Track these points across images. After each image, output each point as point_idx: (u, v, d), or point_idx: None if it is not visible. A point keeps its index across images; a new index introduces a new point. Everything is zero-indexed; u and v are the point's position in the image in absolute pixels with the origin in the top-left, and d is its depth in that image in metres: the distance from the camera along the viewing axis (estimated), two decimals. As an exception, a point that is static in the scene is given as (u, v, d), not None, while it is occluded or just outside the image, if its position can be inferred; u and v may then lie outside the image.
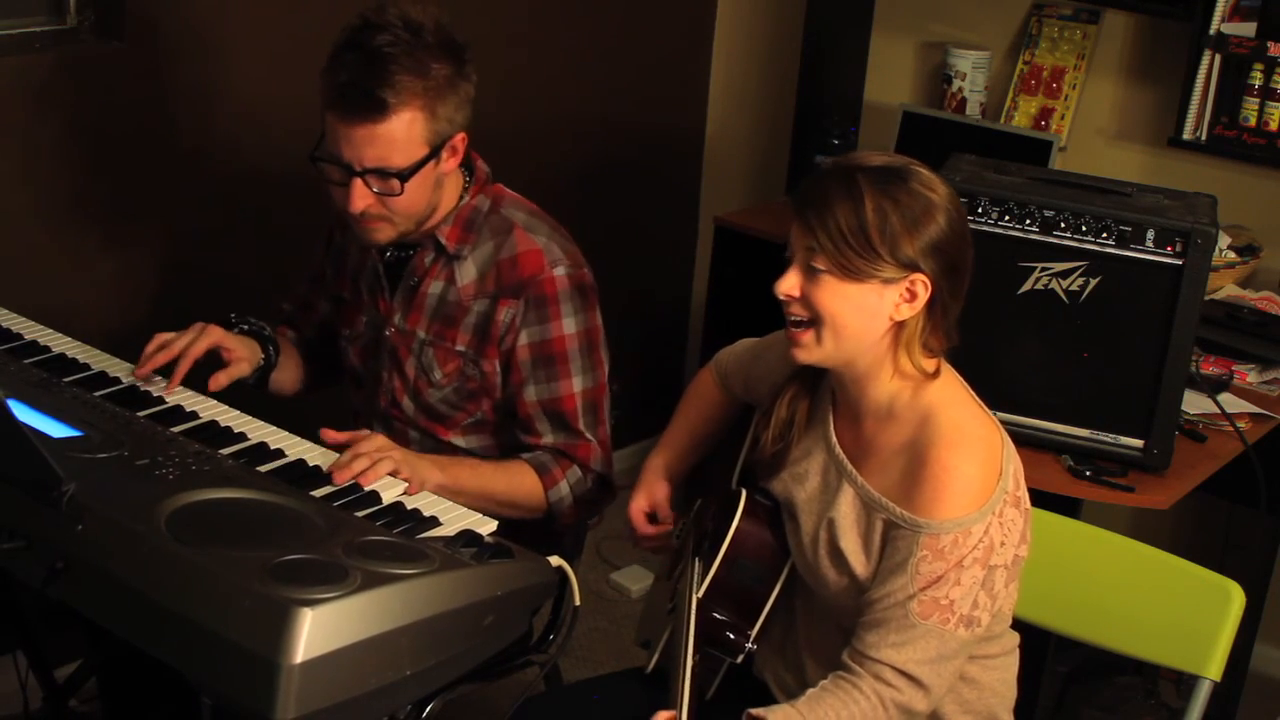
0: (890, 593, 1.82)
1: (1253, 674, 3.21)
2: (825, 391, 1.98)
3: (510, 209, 2.30)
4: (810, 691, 1.84)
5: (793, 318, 1.86)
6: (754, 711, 1.79)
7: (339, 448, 2.04)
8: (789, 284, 1.84)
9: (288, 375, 2.47)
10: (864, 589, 1.87)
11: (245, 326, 2.36)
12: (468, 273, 2.27)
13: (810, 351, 1.86)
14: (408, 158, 2.12)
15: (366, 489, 1.96)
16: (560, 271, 2.25)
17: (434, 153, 2.15)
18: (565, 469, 2.28)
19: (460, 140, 2.19)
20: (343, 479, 1.97)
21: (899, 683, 1.81)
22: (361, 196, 2.13)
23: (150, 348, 2.20)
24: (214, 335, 2.24)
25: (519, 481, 2.25)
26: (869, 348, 1.85)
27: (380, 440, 2.05)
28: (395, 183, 2.12)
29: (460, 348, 2.28)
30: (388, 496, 1.96)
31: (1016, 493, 1.86)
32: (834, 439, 1.95)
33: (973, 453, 1.83)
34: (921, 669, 1.81)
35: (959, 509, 1.80)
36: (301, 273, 2.56)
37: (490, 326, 2.26)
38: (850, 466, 1.91)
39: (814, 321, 1.84)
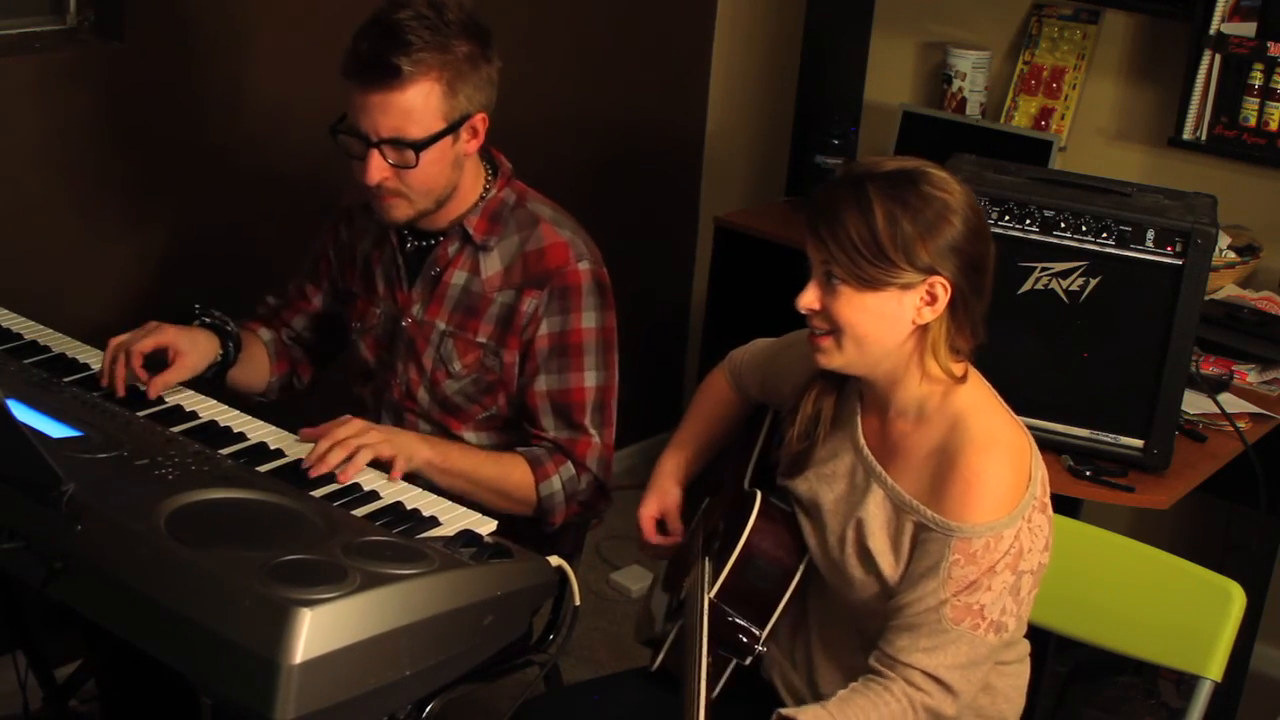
0: (922, 597, 1.82)
1: (1253, 674, 3.20)
2: (852, 392, 1.98)
3: (535, 204, 2.33)
4: (841, 693, 1.83)
5: (815, 330, 1.86)
6: (784, 712, 1.79)
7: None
8: (809, 298, 1.84)
9: (251, 372, 2.43)
10: (890, 590, 1.87)
11: (207, 319, 2.33)
12: (493, 264, 2.28)
13: (832, 357, 1.86)
14: (424, 129, 2.14)
15: (348, 483, 1.96)
16: (585, 266, 2.27)
17: (451, 128, 2.16)
18: (559, 464, 2.28)
19: (481, 121, 2.21)
20: (318, 472, 1.97)
21: (929, 687, 1.81)
22: (378, 168, 2.15)
23: (106, 360, 2.17)
24: (164, 335, 2.21)
25: (509, 470, 2.25)
26: (892, 353, 1.85)
27: (358, 424, 2.05)
28: (410, 154, 2.14)
29: (481, 339, 2.29)
30: (387, 495, 1.96)
31: (1044, 499, 1.86)
32: (862, 440, 1.94)
33: (1004, 457, 1.83)
34: (953, 674, 1.81)
35: (990, 513, 1.80)
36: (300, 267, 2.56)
37: (514, 317, 2.27)
38: (879, 467, 1.91)
39: (835, 331, 1.84)
